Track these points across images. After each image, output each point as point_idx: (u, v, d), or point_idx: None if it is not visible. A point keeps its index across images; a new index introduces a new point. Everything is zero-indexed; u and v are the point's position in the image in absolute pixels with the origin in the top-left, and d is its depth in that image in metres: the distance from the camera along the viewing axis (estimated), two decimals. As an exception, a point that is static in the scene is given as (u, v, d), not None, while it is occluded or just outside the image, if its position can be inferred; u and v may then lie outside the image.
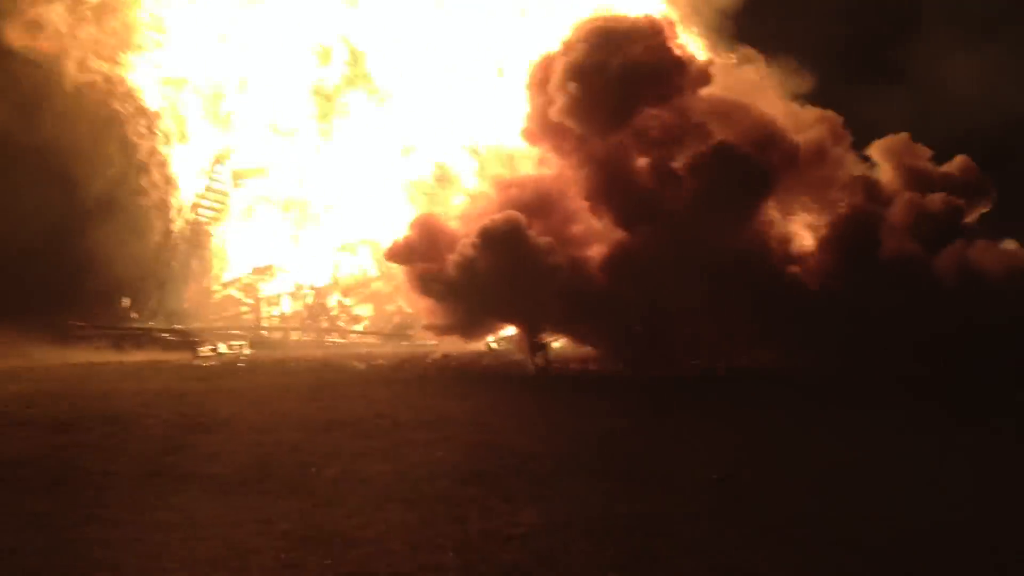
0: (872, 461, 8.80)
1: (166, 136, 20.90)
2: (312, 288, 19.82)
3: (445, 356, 15.48)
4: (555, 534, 6.44)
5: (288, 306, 19.76)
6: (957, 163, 17.91)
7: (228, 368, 15.10)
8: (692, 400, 12.76)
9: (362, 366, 15.02)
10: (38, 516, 6.81)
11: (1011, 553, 6.17)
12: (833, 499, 7.45)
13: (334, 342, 18.31)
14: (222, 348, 17.38)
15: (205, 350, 17.06)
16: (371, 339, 18.49)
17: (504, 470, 8.21)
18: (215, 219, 20.78)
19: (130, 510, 6.94)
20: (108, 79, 20.30)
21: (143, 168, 20.60)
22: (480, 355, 16.41)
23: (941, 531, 6.57)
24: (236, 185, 20.96)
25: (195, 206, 20.88)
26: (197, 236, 20.68)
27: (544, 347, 14.73)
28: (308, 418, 10.67)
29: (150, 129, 20.84)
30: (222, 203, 20.93)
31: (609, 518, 6.85)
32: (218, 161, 20.99)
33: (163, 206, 20.86)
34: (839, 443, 9.57)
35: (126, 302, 19.52)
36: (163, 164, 20.92)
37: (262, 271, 20.10)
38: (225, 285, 20.13)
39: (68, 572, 5.70)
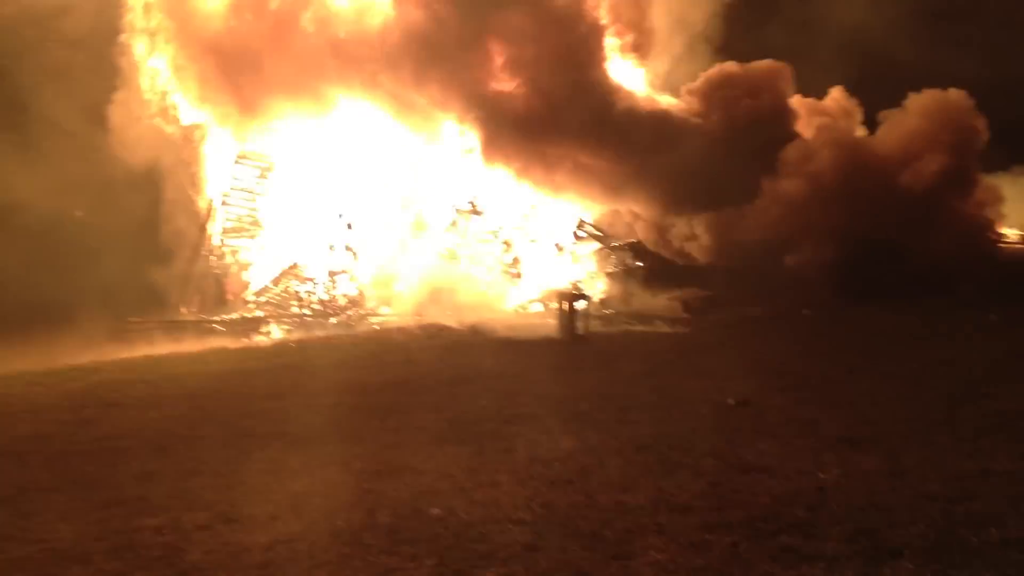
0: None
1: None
2: (346, 276, 20.72)
3: (474, 324, 16.61)
4: (591, 454, 7.75)
5: (326, 293, 20.79)
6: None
7: (281, 348, 16.41)
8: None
9: (401, 337, 16.26)
10: (149, 474, 8.06)
11: None
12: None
13: (371, 323, 19.38)
14: (274, 331, 18.66)
15: (257, 335, 18.34)
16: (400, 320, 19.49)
17: (542, 411, 9.51)
18: (246, 216, 21.75)
19: (226, 464, 8.20)
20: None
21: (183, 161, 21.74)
22: (507, 323, 17.52)
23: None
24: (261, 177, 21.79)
25: (224, 202, 21.81)
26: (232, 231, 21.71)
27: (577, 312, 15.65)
28: (362, 383, 11.96)
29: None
30: (250, 199, 21.83)
31: (636, 439, 8.16)
32: (242, 158, 21.84)
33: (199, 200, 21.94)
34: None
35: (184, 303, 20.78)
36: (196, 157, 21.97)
37: (292, 268, 21.08)
38: (272, 281, 21.07)
39: (191, 509, 6.96)
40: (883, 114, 21.02)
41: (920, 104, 20.44)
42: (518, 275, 20.16)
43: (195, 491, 7.39)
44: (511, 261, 20.37)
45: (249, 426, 9.70)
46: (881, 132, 20.96)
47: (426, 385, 11.45)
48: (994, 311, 14.19)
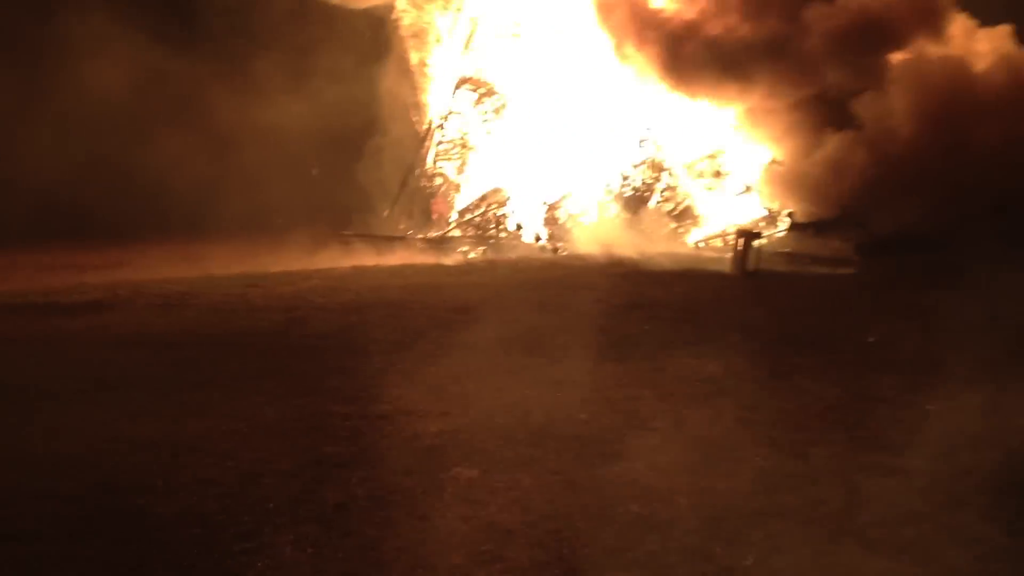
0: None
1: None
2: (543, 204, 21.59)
3: (654, 256, 17.19)
4: (731, 378, 8.52)
5: (521, 218, 21.70)
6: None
7: (472, 267, 17.54)
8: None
9: (582, 264, 17.10)
10: (345, 369, 9.17)
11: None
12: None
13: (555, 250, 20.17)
14: (467, 251, 19.85)
15: (454, 253, 19.58)
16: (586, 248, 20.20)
17: (696, 338, 10.25)
18: (459, 139, 22.88)
19: (413, 365, 9.27)
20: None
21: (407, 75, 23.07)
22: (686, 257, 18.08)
23: None
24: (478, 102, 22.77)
25: (441, 125, 22.96)
26: (445, 154, 22.90)
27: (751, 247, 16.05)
28: (540, 302, 12.91)
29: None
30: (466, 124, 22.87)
31: (775, 368, 8.84)
32: (464, 82, 22.85)
33: (419, 115, 23.22)
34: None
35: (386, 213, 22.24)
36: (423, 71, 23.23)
37: (495, 193, 22.06)
38: (474, 204, 22.19)
39: (376, 402, 8.05)
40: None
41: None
42: (700, 213, 20.52)
43: (382, 387, 8.41)
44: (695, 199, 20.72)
45: (436, 335, 10.79)
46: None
47: (600, 310, 12.26)
48: None
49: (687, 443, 6.78)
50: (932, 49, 18.70)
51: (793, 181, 18.46)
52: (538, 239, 20.50)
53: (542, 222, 20.92)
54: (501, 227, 21.12)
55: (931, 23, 18.92)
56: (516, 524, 5.51)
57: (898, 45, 18.58)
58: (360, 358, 9.65)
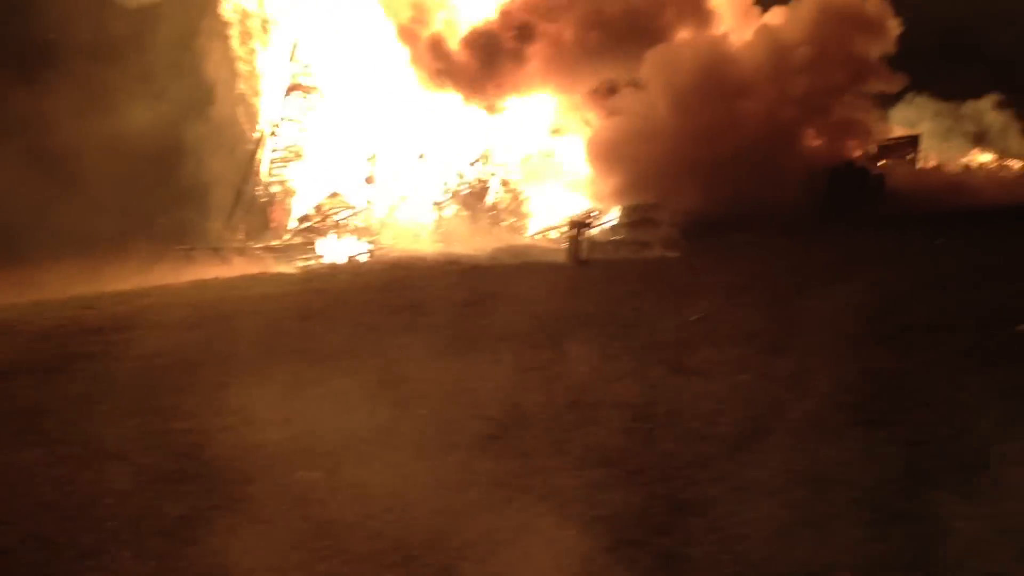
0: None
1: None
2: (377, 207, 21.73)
3: (491, 252, 17.65)
4: (564, 364, 8.90)
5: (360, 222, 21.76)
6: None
7: (314, 275, 17.65)
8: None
9: (423, 264, 17.34)
10: (184, 386, 9.05)
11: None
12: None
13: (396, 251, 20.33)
14: (308, 259, 19.85)
15: (296, 261, 19.55)
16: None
17: (530, 329, 10.58)
18: (292, 146, 22.78)
19: (253, 377, 9.31)
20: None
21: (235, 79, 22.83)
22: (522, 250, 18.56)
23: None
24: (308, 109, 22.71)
25: (273, 132, 22.80)
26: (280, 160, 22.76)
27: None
28: (383, 303, 13.10)
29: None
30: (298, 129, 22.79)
31: (606, 352, 9.28)
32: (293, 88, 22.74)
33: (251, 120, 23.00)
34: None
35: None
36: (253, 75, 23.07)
37: (332, 197, 22.07)
38: (312, 209, 22.15)
39: (218, 415, 8.09)
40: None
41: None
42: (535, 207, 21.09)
43: (223, 400, 8.44)
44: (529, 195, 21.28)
45: (276, 344, 10.83)
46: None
47: (438, 307, 12.51)
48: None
49: (522, 424, 7.21)
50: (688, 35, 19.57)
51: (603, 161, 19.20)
52: (376, 241, 20.63)
53: (379, 224, 21.11)
54: (340, 232, 21.15)
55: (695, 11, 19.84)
56: (357, 518, 5.72)
57: (660, 37, 19.32)
58: (199, 373, 9.62)
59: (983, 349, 8.36)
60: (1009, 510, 5.17)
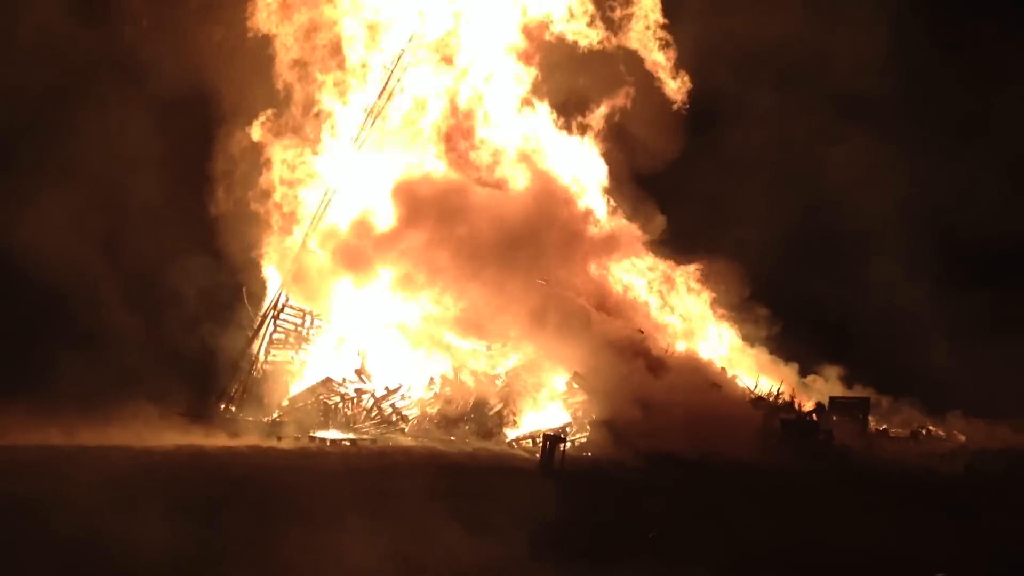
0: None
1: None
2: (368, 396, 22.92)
3: (471, 452, 18.86)
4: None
5: (351, 409, 22.84)
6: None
7: (306, 453, 18.85)
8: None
9: (404, 456, 18.51)
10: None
11: None
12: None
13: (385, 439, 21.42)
14: (298, 437, 20.76)
15: (282, 437, 20.53)
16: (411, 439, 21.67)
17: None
18: (293, 331, 24.01)
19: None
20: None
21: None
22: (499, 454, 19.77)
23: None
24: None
25: (276, 316, 24.00)
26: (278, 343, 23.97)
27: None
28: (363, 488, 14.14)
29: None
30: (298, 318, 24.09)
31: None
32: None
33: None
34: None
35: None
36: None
37: (324, 383, 23.18)
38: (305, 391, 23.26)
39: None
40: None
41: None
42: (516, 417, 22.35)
43: None
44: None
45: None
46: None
47: (411, 500, 13.51)
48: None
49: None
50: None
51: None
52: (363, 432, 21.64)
53: (369, 413, 22.18)
54: (332, 415, 22.13)
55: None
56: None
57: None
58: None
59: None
60: None
